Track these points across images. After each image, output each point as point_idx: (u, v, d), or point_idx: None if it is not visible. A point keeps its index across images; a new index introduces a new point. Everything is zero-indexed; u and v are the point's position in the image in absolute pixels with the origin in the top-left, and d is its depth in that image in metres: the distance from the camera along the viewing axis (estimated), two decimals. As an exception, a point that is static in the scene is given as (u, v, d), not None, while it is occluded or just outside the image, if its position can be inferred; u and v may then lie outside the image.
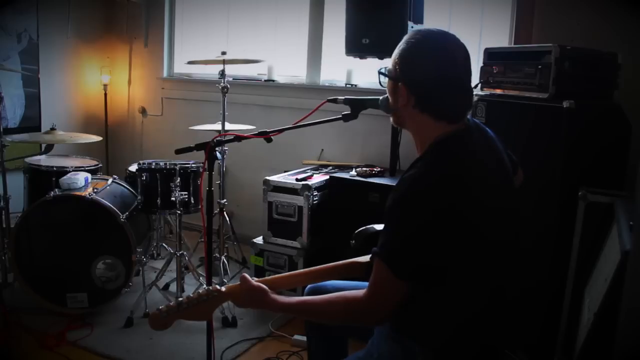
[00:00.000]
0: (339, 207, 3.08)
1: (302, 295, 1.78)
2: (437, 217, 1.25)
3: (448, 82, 1.37)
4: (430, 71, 1.37)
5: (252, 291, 1.46)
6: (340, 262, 1.69)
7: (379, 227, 1.68)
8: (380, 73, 1.49)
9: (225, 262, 3.28)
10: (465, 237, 1.28)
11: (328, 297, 1.41)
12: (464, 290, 1.34)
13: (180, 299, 1.44)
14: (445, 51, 1.38)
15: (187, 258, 3.04)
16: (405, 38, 1.42)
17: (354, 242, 1.69)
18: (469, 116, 1.44)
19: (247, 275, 1.49)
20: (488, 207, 1.33)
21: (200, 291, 1.46)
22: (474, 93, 1.89)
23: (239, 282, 1.49)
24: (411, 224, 1.27)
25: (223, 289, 1.46)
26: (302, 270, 1.72)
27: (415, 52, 1.38)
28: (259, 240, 3.25)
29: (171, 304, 1.43)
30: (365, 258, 1.65)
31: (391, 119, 1.51)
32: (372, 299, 1.32)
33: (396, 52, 1.42)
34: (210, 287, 1.46)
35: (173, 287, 3.13)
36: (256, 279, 1.50)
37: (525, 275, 1.99)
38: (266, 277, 1.60)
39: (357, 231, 1.71)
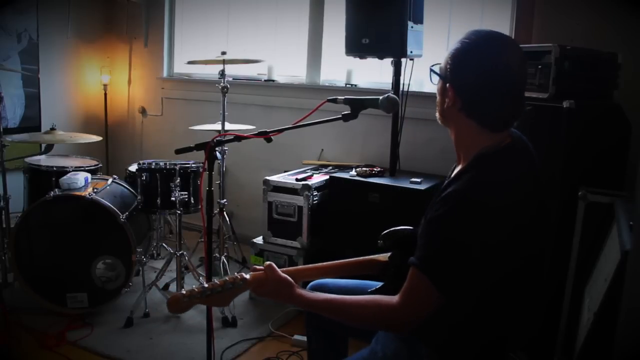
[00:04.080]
0: (339, 207, 3.08)
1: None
2: (477, 234, 1.24)
3: (498, 90, 1.31)
4: (481, 76, 1.31)
5: (279, 283, 1.43)
6: (361, 258, 1.68)
7: (403, 227, 1.66)
8: (432, 70, 1.43)
9: (225, 262, 3.28)
10: (497, 254, 1.27)
11: (358, 300, 1.38)
12: (477, 296, 1.33)
13: (205, 285, 1.41)
14: (499, 56, 1.31)
15: (187, 258, 3.04)
16: (461, 37, 1.36)
17: (381, 242, 1.66)
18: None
19: (274, 265, 1.45)
20: (523, 225, 1.32)
21: (227, 278, 1.42)
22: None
23: (262, 270, 1.45)
24: (454, 239, 1.26)
25: (248, 276, 1.43)
26: (324, 263, 1.69)
27: (467, 54, 1.33)
28: (259, 240, 3.25)
29: (195, 288, 1.39)
30: (384, 257, 1.65)
31: (437, 117, 1.46)
32: (407, 308, 1.30)
33: (450, 51, 1.36)
34: (238, 275, 1.43)
35: (173, 287, 3.13)
36: (280, 269, 1.47)
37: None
38: (289, 268, 1.58)
39: (385, 232, 1.67)
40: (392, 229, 1.68)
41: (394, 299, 1.32)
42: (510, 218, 1.28)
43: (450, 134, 1.43)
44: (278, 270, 1.45)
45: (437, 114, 1.45)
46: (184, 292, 1.39)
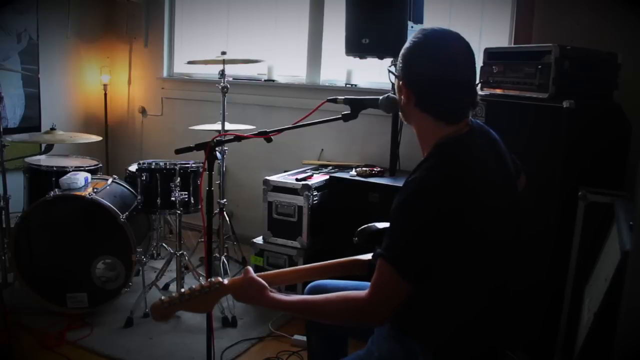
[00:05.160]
0: (339, 207, 3.08)
1: (302, 292, 1.78)
2: (440, 218, 1.26)
3: (446, 83, 1.37)
4: (428, 71, 1.37)
5: (250, 285, 1.45)
6: (343, 259, 1.70)
7: (381, 225, 1.68)
8: (389, 71, 1.52)
9: (225, 262, 3.28)
10: (467, 238, 1.28)
11: (328, 297, 1.41)
12: (465, 290, 1.34)
13: (183, 289, 1.44)
14: (445, 51, 1.38)
15: (187, 258, 3.04)
16: (411, 37, 1.43)
17: (356, 239, 1.70)
18: (472, 118, 1.45)
19: (250, 269, 1.49)
20: (489, 208, 1.34)
21: (203, 283, 1.46)
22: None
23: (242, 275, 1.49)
24: (416, 225, 1.27)
25: (225, 281, 1.46)
26: (304, 265, 1.72)
27: (415, 52, 1.40)
28: (259, 240, 3.25)
29: (173, 294, 1.43)
30: (368, 256, 1.65)
31: (400, 115, 1.52)
32: (374, 300, 1.31)
33: (402, 50, 1.43)
34: (213, 279, 1.46)
35: (173, 287, 3.13)
36: (257, 273, 1.50)
37: (525, 274, 1.99)
38: (268, 272, 1.59)
39: (360, 229, 1.71)
40: (366, 225, 1.69)
41: (362, 292, 1.34)
42: (468, 199, 1.29)
43: (414, 131, 1.48)
44: (253, 273, 1.48)
45: (399, 112, 1.51)
46: (163, 298, 1.42)
